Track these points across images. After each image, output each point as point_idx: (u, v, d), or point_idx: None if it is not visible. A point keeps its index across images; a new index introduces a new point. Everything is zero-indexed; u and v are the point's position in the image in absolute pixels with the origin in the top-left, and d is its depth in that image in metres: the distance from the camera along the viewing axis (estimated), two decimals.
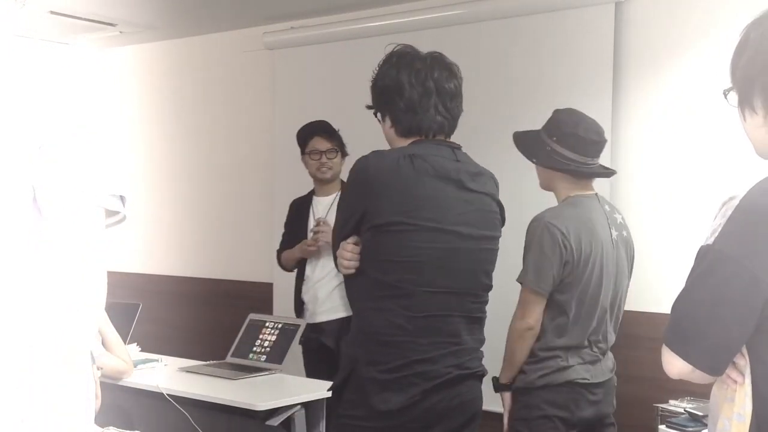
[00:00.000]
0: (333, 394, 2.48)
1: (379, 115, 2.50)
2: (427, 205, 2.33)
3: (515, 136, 2.98)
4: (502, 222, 2.54)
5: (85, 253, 1.43)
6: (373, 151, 2.41)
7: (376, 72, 2.48)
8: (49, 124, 1.41)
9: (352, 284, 2.46)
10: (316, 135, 4.09)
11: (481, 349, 2.51)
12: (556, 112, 2.94)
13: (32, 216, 1.40)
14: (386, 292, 2.34)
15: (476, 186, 2.43)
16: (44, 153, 1.39)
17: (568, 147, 2.84)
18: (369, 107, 2.52)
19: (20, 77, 1.48)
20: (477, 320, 2.48)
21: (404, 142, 2.43)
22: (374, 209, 2.32)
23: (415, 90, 2.39)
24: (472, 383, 2.47)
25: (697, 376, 1.54)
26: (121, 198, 1.51)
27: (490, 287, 2.50)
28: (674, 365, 1.53)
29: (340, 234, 2.45)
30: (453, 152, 2.43)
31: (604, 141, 2.92)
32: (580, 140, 2.84)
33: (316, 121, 4.18)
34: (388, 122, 2.46)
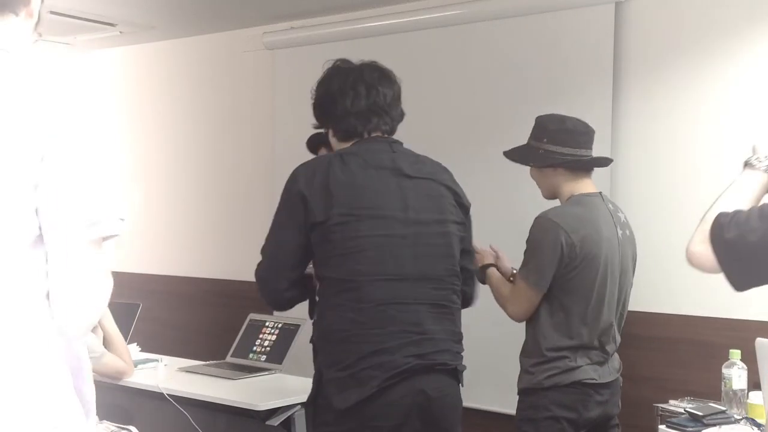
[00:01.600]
0: (307, 407, 2.45)
1: (325, 130, 2.56)
2: (363, 194, 2.35)
3: (506, 154, 3.01)
4: (463, 206, 2.52)
5: (79, 277, 1.42)
6: (302, 163, 2.48)
7: (313, 92, 2.56)
8: (51, 132, 1.40)
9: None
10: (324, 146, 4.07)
11: (457, 343, 2.44)
12: (538, 118, 2.99)
13: (34, 233, 1.39)
14: (337, 288, 2.34)
15: (415, 172, 2.44)
16: (46, 167, 1.37)
17: (560, 143, 2.87)
18: (316, 127, 2.59)
19: (20, 79, 1.47)
20: (444, 309, 2.41)
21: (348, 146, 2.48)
22: (311, 212, 2.35)
23: (348, 96, 2.46)
24: (439, 377, 2.38)
25: (714, 273, 1.61)
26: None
27: (455, 272, 2.46)
28: (707, 262, 1.60)
29: (287, 263, 2.47)
30: (390, 146, 2.46)
31: (593, 131, 2.95)
32: (570, 133, 2.88)
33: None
34: (331, 132, 2.53)
